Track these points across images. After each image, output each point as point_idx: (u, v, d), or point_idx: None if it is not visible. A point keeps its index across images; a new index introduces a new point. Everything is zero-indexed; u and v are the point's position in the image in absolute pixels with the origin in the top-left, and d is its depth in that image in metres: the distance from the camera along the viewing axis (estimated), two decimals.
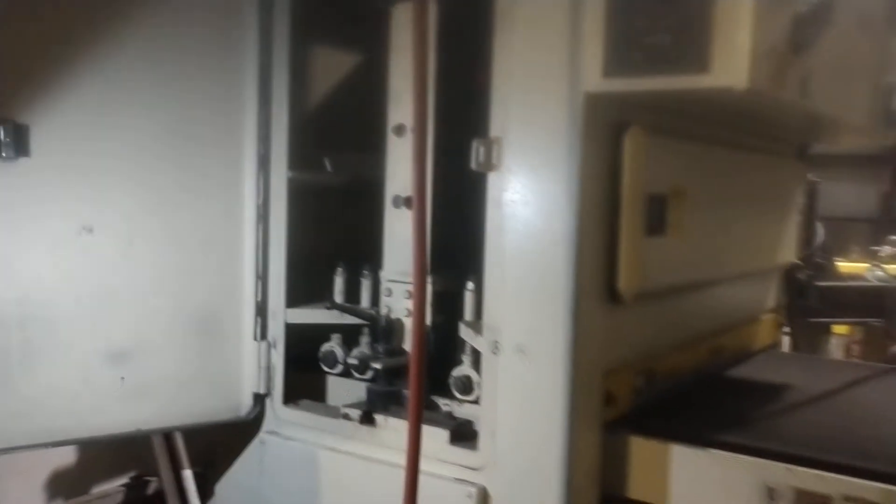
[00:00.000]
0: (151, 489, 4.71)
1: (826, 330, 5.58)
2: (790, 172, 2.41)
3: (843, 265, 6.83)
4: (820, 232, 5.46)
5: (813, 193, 5.62)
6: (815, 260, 5.27)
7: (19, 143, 1.59)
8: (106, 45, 1.67)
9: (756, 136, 2.10)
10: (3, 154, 1.58)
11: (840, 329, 6.73)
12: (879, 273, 6.80)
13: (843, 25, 1.69)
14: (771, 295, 2.52)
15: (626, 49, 1.39)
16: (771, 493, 1.48)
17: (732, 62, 1.30)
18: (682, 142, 1.76)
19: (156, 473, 4.51)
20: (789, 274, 2.68)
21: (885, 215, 14.91)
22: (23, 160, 1.61)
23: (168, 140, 1.76)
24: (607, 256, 1.56)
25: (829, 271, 5.57)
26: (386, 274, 1.86)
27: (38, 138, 1.62)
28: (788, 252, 2.48)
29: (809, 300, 5.01)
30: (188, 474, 4.47)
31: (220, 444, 2.07)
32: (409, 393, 1.49)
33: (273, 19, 1.85)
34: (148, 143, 1.74)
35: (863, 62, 1.98)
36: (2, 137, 1.57)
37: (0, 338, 1.62)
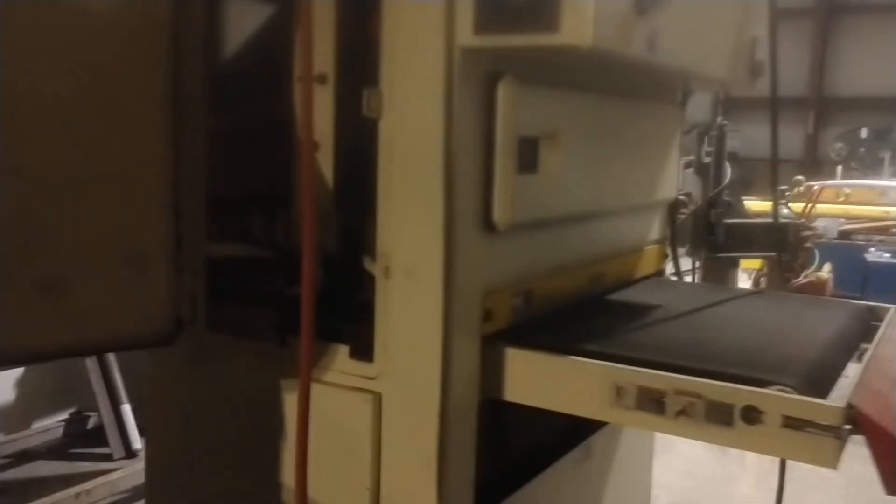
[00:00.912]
0: (90, 424, 4.91)
1: (734, 264, 5.98)
2: (669, 117, 2.65)
3: (759, 204, 7.25)
4: (728, 172, 5.80)
5: (721, 136, 5.93)
6: (723, 199, 5.62)
7: None
8: None
9: (632, 84, 2.33)
10: None
11: (749, 263, 7.17)
12: (785, 211, 7.22)
13: None
14: (654, 228, 2.78)
15: (491, 9, 1.60)
16: (619, 391, 1.75)
17: (578, 22, 1.52)
18: (557, 89, 1.97)
19: (94, 409, 4.71)
20: (675, 207, 2.94)
21: (807, 156, 15.53)
22: None
23: (81, 81, 1.91)
24: (483, 192, 1.79)
25: (736, 209, 5.94)
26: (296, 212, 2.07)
27: None
28: (669, 188, 2.74)
29: (717, 236, 5.37)
30: (127, 408, 4.67)
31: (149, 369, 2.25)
32: (302, 313, 1.70)
33: None
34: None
35: (724, 17, 2.21)
36: None
37: None
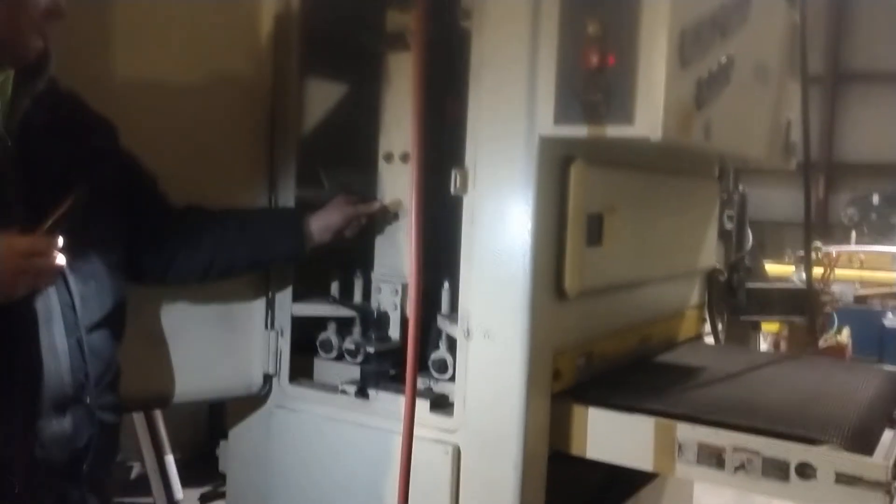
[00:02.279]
0: (133, 474, 5.02)
1: (754, 326, 6.14)
2: (708, 191, 2.87)
3: (772, 267, 7.44)
4: (749, 238, 6.02)
5: (743, 203, 6.17)
6: (745, 263, 5.82)
7: None
8: (141, 83, 2.03)
9: (677, 161, 2.55)
10: None
11: (769, 326, 7.32)
12: (803, 276, 7.39)
13: (741, 79, 2.14)
14: (694, 294, 2.98)
15: (570, 103, 1.82)
16: (680, 447, 1.92)
17: (650, 117, 1.73)
18: (616, 169, 2.19)
19: (138, 458, 4.82)
20: (712, 276, 3.14)
21: (819, 220, 15.71)
22: None
23: (187, 164, 2.12)
24: (556, 262, 1.98)
25: (757, 273, 6.13)
26: (376, 274, 2.27)
27: None
28: (708, 257, 2.94)
29: (739, 299, 5.54)
30: (170, 459, 4.80)
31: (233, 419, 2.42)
32: (406, 369, 1.88)
33: (283, 60, 2.24)
34: (171, 166, 2.10)
35: (761, 105, 2.44)
36: None
37: None
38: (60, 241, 1.45)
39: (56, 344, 1.55)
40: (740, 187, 5.94)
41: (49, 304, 1.54)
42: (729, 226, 6.11)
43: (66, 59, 1.73)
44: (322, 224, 2.11)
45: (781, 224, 12.63)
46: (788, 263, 8.97)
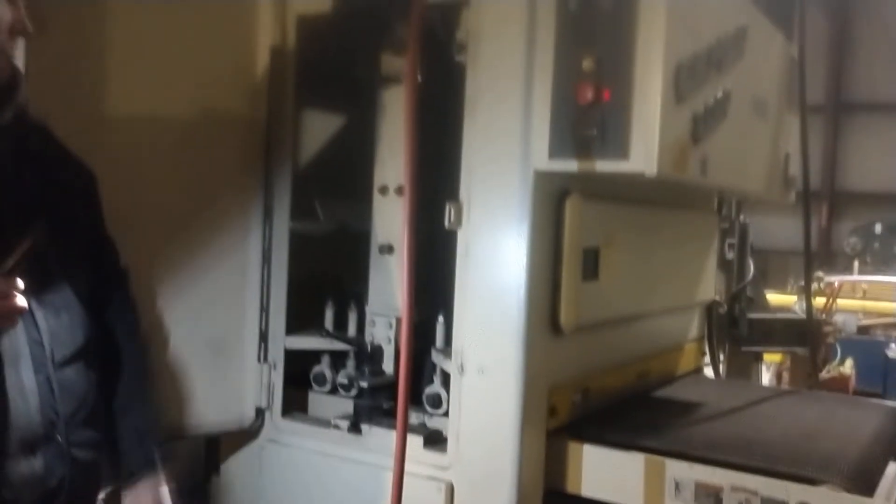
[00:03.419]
0: None
1: (756, 358, 6.09)
2: (706, 224, 2.85)
3: (774, 297, 7.39)
4: (751, 267, 5.99)
5: (744, 233, 6.15)
6: (746, 293, 5.79)
7: None
8: (139, 121, 2.03)
9: (674, 195, 2.53)
10: None
11: (771, 357, 7.26)
12: (802, 305, 7.33)
13: (738, 113, 2.14)
14: (693, 327, 2.95)
15: (565, 138, 1.81)
16: (678, 485, 1.89)
17: (645, 152, 1.72)
18: (613, 203, 2.17)
19: None
20: (712, 308, 3.11)
21: (821, 249, 15.68)
22: None
23: (188, 196, 2.12)
24: (552, 297, 1.96)
25: (759, 303, 6.09)
26: (371, 308, 2.25)
27: None
28: (707, 290, 2.91)
29: (740, 330, 5.50)
30: (165, 491, 4.72)
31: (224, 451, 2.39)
32: (397, 405, 1.85)
33: (278, 92, 2.24)
34: (171, 199, 2.09)
35: (759, 138, 2.43)
36: None
37: None
38: (20, 282, 1.39)
39: (24, 382, 1.49)
40: (741, 217, 5.93)
41: (15, 343, 1.48)
42: (730, 256, 6.09)
43: (53, 90, 1.73)
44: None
45: (784, 252, 12.57)
46: (791, 293, 8.92)
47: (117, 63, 1.93)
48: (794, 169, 2.75)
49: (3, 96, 1.53)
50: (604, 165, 1.76)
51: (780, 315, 5.83)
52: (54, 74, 1.84)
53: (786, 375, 6.94)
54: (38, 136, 1.64)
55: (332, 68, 2.30)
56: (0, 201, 1.49)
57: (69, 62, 1.90)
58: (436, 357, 2.13)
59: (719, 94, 1.98)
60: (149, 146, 2.03)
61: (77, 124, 1.80)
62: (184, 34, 2.08)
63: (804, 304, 7.26)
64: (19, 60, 1.66)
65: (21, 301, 1.41)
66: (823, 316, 7.05)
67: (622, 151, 1.74)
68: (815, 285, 9.28)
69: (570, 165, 1.81)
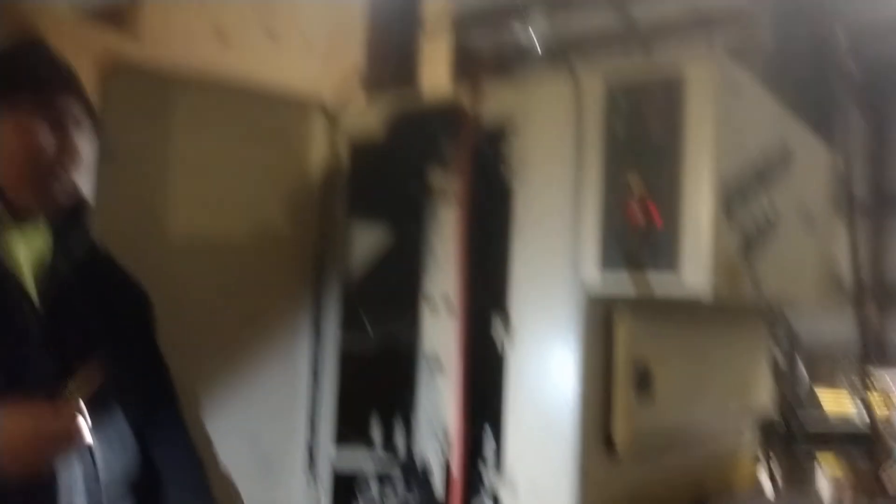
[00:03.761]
0: None
1: (812, 465, 5.85)
2: (757, 331, 2.81)
3: (828, 399, 7.16)
4: (802, 370, 5.84)
5: (793, 336, 6.04)
6: (799, 398, 5.63)
7: None
8: (200, 245, 2.09)
9: (727, 305, 2.51)
10: None
11: (830, 469, 6.96)
12: (862, 409, 7.08)
13: (786, 225, 2.14)
14: (748, 438, 2.87)
15: (615, 258, 1.82)
16: None
17: (697, 275, 1.72)
18: (663, 316, 2.15)
19: None
20: (767, 418, 3.03)
21: (872, 342, 15.23)
22: None
23: (242, 314, 2.16)
24: (604, 414, 1.94)
25: (813, 408, 5.91)
26: (419, 421, 2.23)
27: None
28: (761, 399, 2.85)
29: (795, 438, 5.33)
30: None
31: None
32: None
33: (330, 207, 2.30)
34: (227, 317, 2.13)
35: (808, 247, 2.42)
36: None
37: None
38: (84, 407, 1.41)
39: None
40: (789, 318, 5.83)
41: (72, 476, 1.48)
42: (779, 359, 5.96)
43: (115, 214, 1.80)
44: None
45: (832, 347, 12.27)
46: (842, 388, 8.64)
47: (177, 187, 2.01)
48: (844, 274, 2.72)
49: (68, 223, 1.59)
50: (655, 286, 1.77)
51: (838, 427, 5.64)
52: (117, 199, 1.93)
53: (843, 480, 6.64)
54: (102, 262, 1.69)
55: (380, 185, 2.36)
56: (65, 328, 1.52)
57: (132, 187, 2.00)
58: (485, 472, 2.10)
59: (768, 210, 1.99)
60: (203, 266, 2.09)
61: (136, 247, 1.87)
62: (241, 157, 2.17)
63: (859, 406, 7.02)
64: (88, 187, 1.75)
65: (85, 429, 1.42)
66: (886, 426, 6.78)
67: (674, 272, 1.74)
68: (869, 388, 8.98)
69: (621, 286, 1.82)
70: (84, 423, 1.42)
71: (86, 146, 1.62)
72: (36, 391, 1.43)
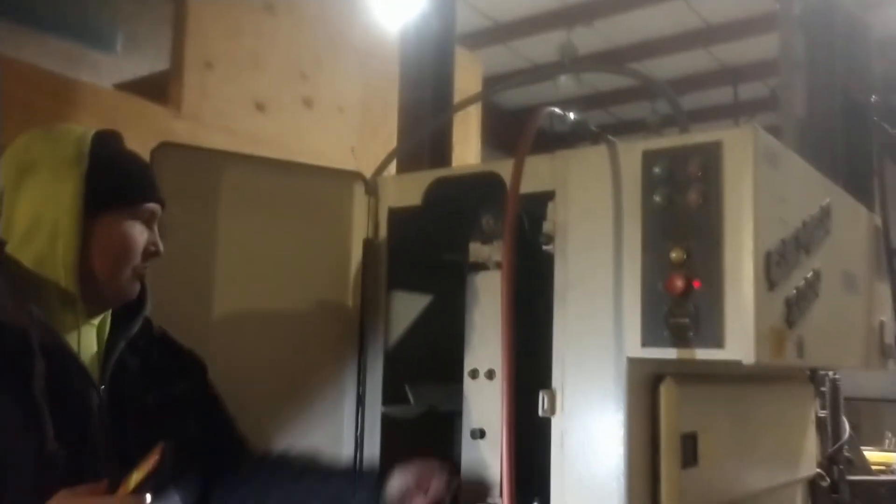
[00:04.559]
0: None
1: None
2: (802, 394, 2.77)
3: (874, 456, 6.96)
4: (846, 426, 5.70)
5: (836, 390, 5.91)
6: (843, 454, 5.48)
7: None
8: (243, 319, 2.13)
9: (771, 370, 2.48)
10: None
11: None
12: None
13: (829, 290, 2.12)
14: (797, 501, 2.80)
15: (657, 326, 1.82)
16: None
17: (741, 342, 1.71)
18: (708, 384, 2.14)
19: None
20: (815, 482, 2.96)
21: None
22: None
23: (287, 388, 2.18)
24: (651, 487, 1.91)
25: (858, 464, 5.75)
26: (464, 494, 2.21)
27: None
28: (809, 464, 2.79)
29: (841, 495, 5.17)
30: None
31: None
32: None
33: (371, 282, 2.33)
34: (272, 391, 2.16)
35: (852, 312, 2.39)
36: None
37: None
38: (149, 498, 1.41)
39: None
40: (831, 373, 5.71)
41: None
42: (822, 413, 5.82)
43: (168, 294, 1.84)
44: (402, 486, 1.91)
45: (876, 402, 11.96)
46: (890, 450, 8.39)
47: (226, 266, 2.06)
48: (890, 337, 2.68)
49: (133, 313, 1.64)
50: (699, 354, 1.76)
51: (884, 478, 5.48)
52: (166, 276, 1.97)
53: None
54: (161, 346, 1.73)
55: (421, 257, 2.39)
56: (128, 416, 1.56)
57: (180, 263, 2.04)
58: None
59: (810, 276, 1.98)
60: (250, 339, 2.13)
61: (185, 323, 1.91)
62: (284, 229, 2.22)
63: None
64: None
65: None
66: None
67: (717, 341, 1.73)
68: None
69: (664, 353, 1.81)
70: None
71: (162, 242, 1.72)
72: (99, 477, 1.44)
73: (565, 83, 8.50)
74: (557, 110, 2.17)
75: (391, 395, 2.33)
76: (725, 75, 9.67)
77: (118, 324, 1.66)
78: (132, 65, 5.00)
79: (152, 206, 1.69)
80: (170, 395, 1.67)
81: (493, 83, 5.89)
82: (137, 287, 1.67)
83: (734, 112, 9.65)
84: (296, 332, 2.18)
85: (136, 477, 1.42)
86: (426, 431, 2.38)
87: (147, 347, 1.67)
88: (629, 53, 8.64)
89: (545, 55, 8.59)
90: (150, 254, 1.66)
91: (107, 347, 1.63)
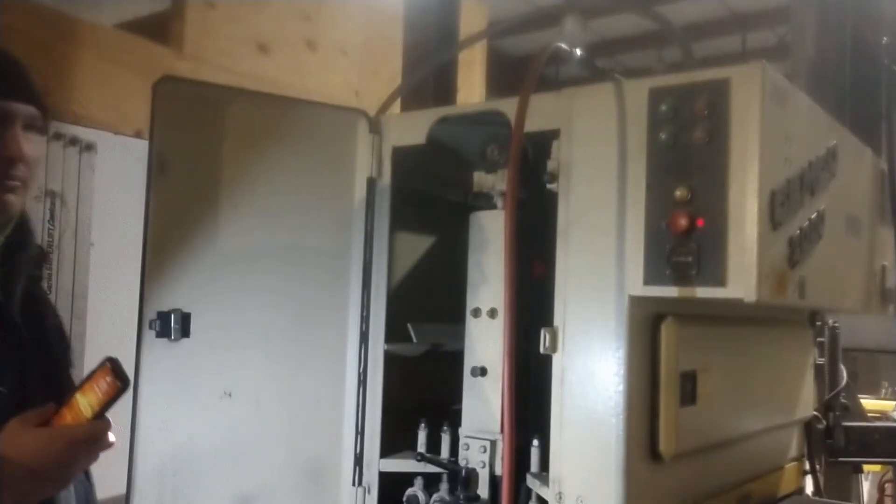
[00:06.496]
0: None
1: (856, 469, 5.75)
2: (802, 336, 2.78)
3: (867, 403, 7.02)
4: (843, 373, 5.74)
5: (834, 338, 5.93)
6: (840, 400, 5.53)
7: (184, 327, 2.04)
8: (249, 253, 2.14)
9: (771, 312, 2.49)
10: (172, 336, 2.03)
11: (873, 466, 6.84)
12: None
13: (832, 233, 2.12)
14: (793, 445, 2.84)
15: (659, 265, 1.82)
16: None
17: (743, 280, 1.71)
18: (708, 325, 2.15)
19: None
20: (811, 424, 3.00)
21: None
22: (185, 340, 2.05)
23: (290, 322, 2.20)
24: (650, 424, 1.93)
25: (855, 411, 5.81)
26: (464, 430, 2.25)
27: (196, 323, 2.08)
28: (806, 406, 2.82)
29: (836, 440, 5.24)
30: None
31: None
32: None
33: (374, 221, 2.33)
34: (275, 325, 2.18)
35: (854, 255, 2.39)
36: (172, 323, 2.02)
37: (157, 483, 2.02)
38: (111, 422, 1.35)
39: None
40: (830, 321, 5.74)
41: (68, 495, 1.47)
42: (820, 360, 5.85)
43: (169, 224, 1.83)
44: None
45: (874, 352, 12.03)
46: (886, 398, 8.47)
47: (229, 201, 2.05)
48: (891, 282, 2.68)
49: (16, 239, 1.52)
50: (700, 292, 1.77)
51: (878, 424, 5.54)
52: (167, 209, 1.98)
53: (888, 487, 6.52)
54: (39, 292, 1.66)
55: (424, 194, 2.39)
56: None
57: (181, 197, 2.04)
58: (531, 482, 2.11)
59: (813, 216, 1.98)
60: (252, 273, 2.13)
61: (186, 255, 1.92)
62: (287, 165, 2.21)
63: None
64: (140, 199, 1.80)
65: (112, 439, 1.37)
66: None
67: (719, 279, 1.74)
68: None
69: (666, 292, 1.82)
70: (111, 437, 1.37)
71: (35, 151, 1.49)
72: (35, 405, 1.36)
73: (571, 30, 8.38)
74: (564, 45, 2.14)
75: (394, 332, 2.34)
76: (734, 23, 9.53)
77: (10, 253, 1.50)
78: (132, 4, 4.93)
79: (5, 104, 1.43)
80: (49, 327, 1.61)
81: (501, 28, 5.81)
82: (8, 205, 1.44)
83: (742, 61, 9.53)
84: (297, 267, 2.18)
85: (86, 400, 1.30)
86: (427, 370, 2.40)
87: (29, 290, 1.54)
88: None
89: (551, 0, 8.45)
90: (5, 162, 1.41)
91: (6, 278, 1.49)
